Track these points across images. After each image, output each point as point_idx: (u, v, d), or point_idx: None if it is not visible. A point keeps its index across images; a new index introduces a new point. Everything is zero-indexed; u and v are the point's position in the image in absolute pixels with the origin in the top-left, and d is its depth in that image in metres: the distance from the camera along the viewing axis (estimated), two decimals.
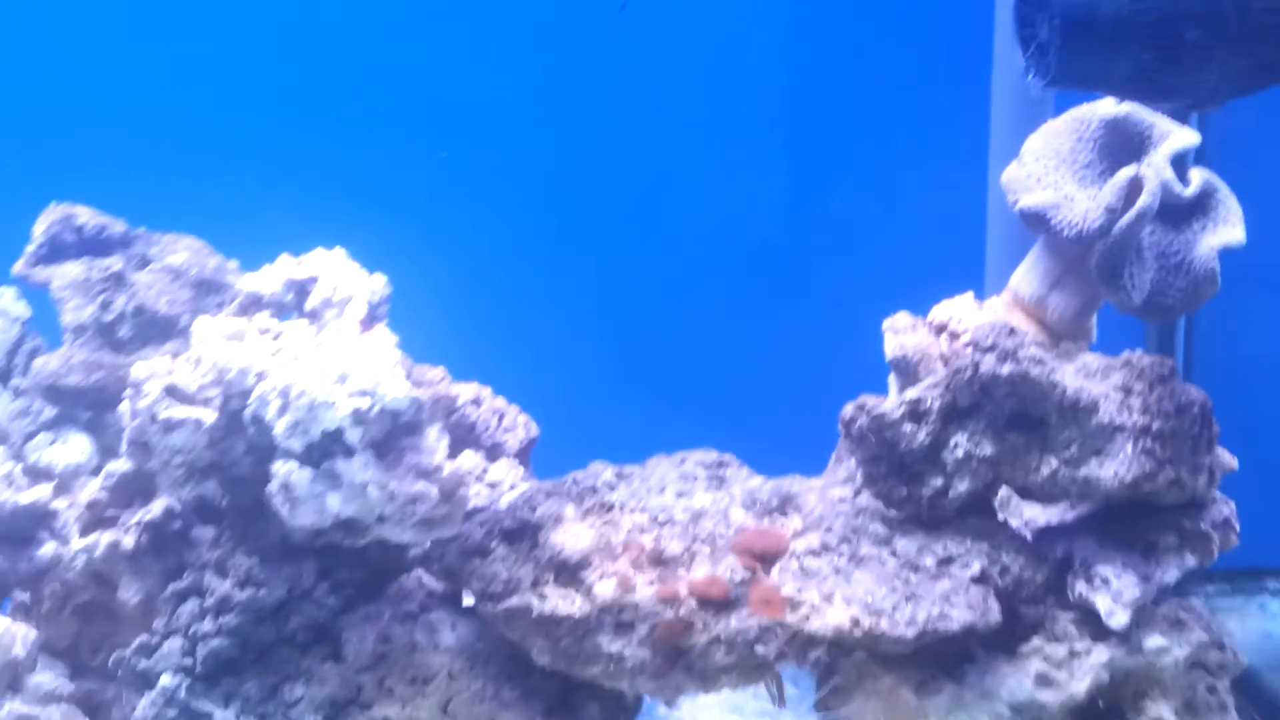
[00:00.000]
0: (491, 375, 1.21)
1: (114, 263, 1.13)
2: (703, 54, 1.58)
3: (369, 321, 1.07)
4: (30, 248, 1.15)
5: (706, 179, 1.56)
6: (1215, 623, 1.20)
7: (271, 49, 1.58)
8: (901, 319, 1.24)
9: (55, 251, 1.14)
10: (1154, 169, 1.12)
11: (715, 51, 1.58)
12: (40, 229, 1.13)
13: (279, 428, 1.00)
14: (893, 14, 1.56)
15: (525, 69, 1.61)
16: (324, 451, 1.01)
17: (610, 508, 1.13)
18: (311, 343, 1.05)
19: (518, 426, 1.19)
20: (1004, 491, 1.23)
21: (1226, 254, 1.15)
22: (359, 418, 0.99)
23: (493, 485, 1.15)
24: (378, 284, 1.07)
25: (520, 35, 1.63)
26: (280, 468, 1.00)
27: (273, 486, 1.01)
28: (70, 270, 1.12)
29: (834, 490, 1.18)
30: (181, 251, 1.15)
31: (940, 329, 1.23)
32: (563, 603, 1.08)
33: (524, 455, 1.19)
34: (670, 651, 1.07)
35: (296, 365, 1.02)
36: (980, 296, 1.23)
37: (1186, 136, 1.14)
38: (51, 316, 1.21)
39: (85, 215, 1.14)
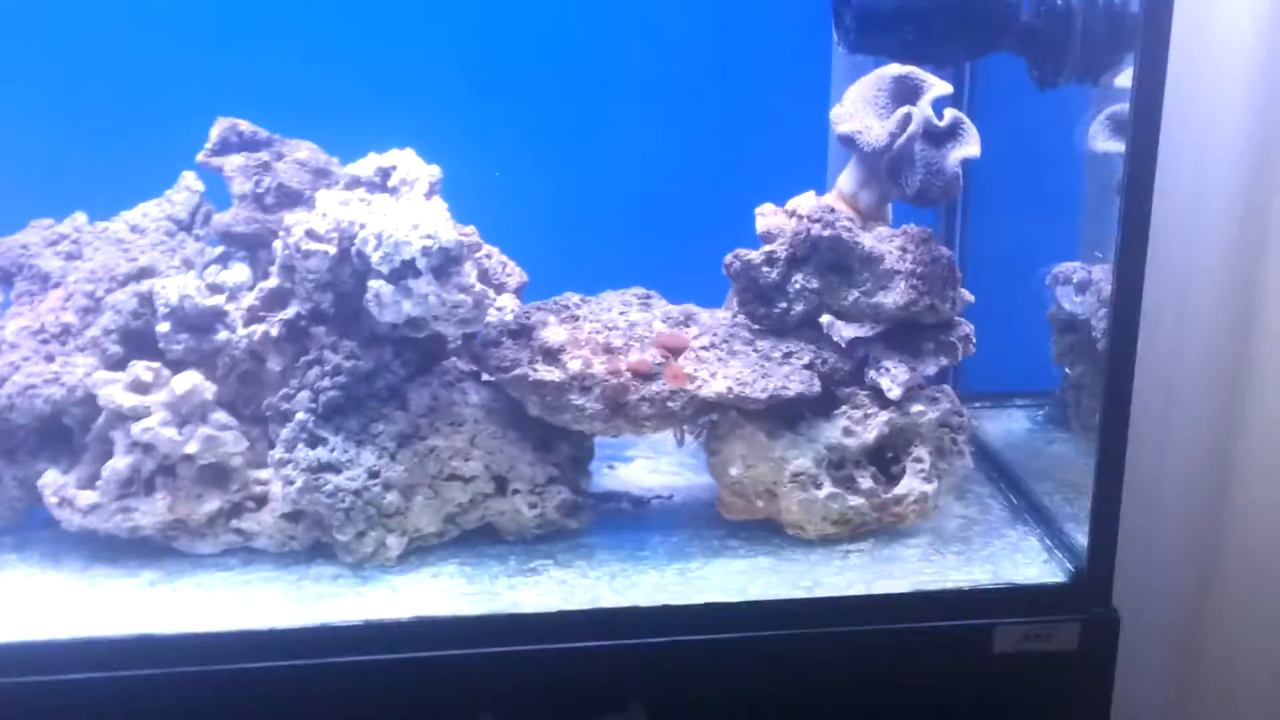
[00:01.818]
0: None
1: (262, 155, 1.55)
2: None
3: (429, 194, 1.55)
4: (208, 145, 1.57)
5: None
6: (956, 399, 1.71)
7: None
8: (767, 207, 1.70)
9: (225, 147, 1.56)
10: (919, 109, 1.57)
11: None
12: (215, 132, 1.55)
13: (374, 258, 1.46)
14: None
15: None
16: (401, 274, 1.45)
17: (578, 319, 1.57)
18: (393, 206, 1.53)
19: (515, 273, 1.66)
20: (826, 317, 1.76)
21: (970, 163, 1.69)
22: (425, 252, 1.44)
23: (499, 308, 1.65)
24: (435, 171, 1.52)
25: None
26: (374, 284, 1.46)
27: (368, 296, 1.47)
28: (235, 160, 1.55)
29: (720, 313, 1.65)
30: (303, 150, 1.58)
31: (791, 213, 1.71)
32: (547, 373, 1.52)
33: (518, 292, 1.68)
34: (614, 405, 1.51)
35: (385, 218, 1.47)
36: (820, 193, 1.75)
37: (943, 88, 1.58)
38: (217, 194, 1.72)
39: (243, 125, 1.56)
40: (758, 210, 1.61)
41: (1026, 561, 1.55)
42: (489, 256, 1.60)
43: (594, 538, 1.58)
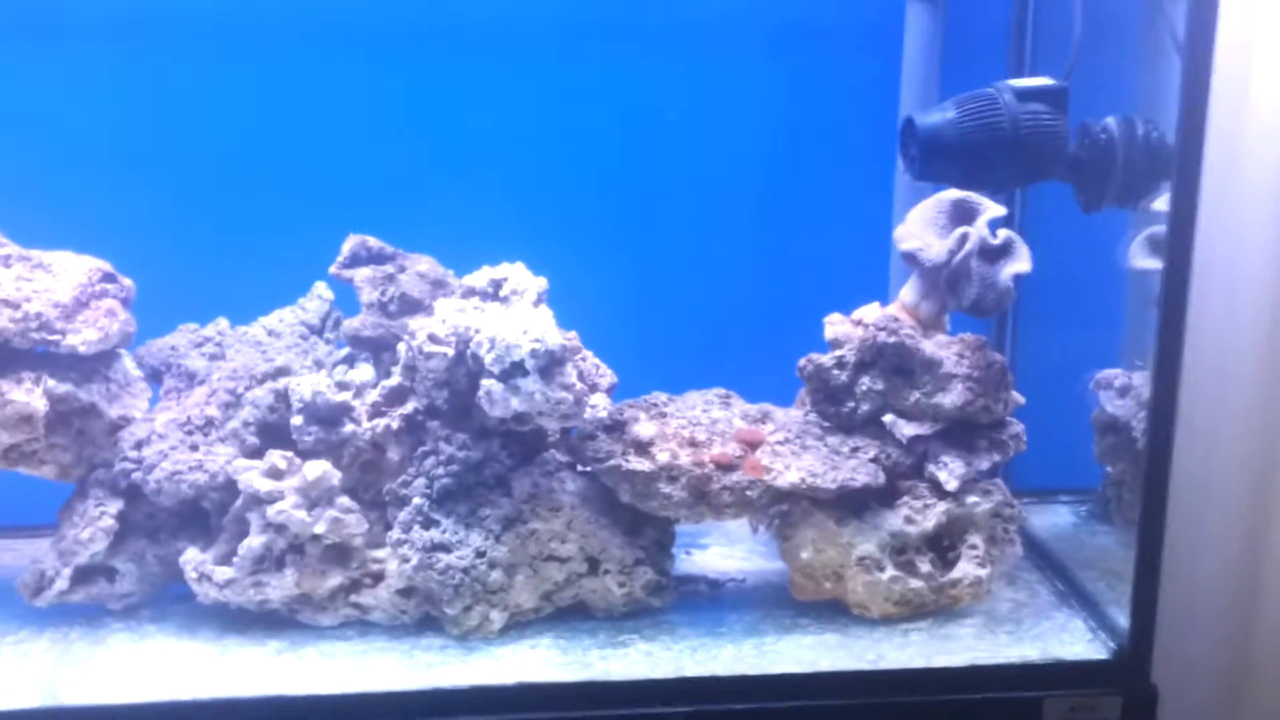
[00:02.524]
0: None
1: (387, 268, 1.73)
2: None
3: (537, 302, 1.71)
4: (339, 258, 1.74)
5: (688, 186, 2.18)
6: (1008, 491, 1.85)
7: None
8: (835, 316, 1.86)
9: (354, 260, 1.73)
10: (976, 229, 1.75)
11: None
12: (346, 247, 1.73)
13: (487, 360, 1.61)
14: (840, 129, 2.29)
15: None
16: (511, 374, 1.61)
17: (665, 415, 1.74)
18: (505, 313, 1.70)
19: (607, 374, 1.80)
20: (889, 416, 1.91)
21: (1021, 278, 1.84)
22: (533, 354, 1.60)
23: (593, 406, 1.80)
24: (542, 282, 1.68)
25: None
26: (486, 382, 1.62)
27: (480, 393, 1.62)
28: (364, 272, 1.72)
29: (793, 411, 1.80)
30: (423, 263, 1.75)
31: (857, 322, 1.87)
32: (638, 464, 1.67)
33: (609, 391, 1.83)
34: (698, 493, 1.67)
35: (497, 324, 1.63)
36: (883, 305, 1.91)
37: (996, 210, 1.74)
38: (341, 302, 1.89)
39: (371, 241, 1.74)
40: (827, 319, 1.76)
41: (1072, 640, 1.68)
42: (584, 359, 1.75)
43: (675, 615, 1.72)
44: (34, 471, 1.63)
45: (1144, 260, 1.82)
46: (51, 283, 1.63)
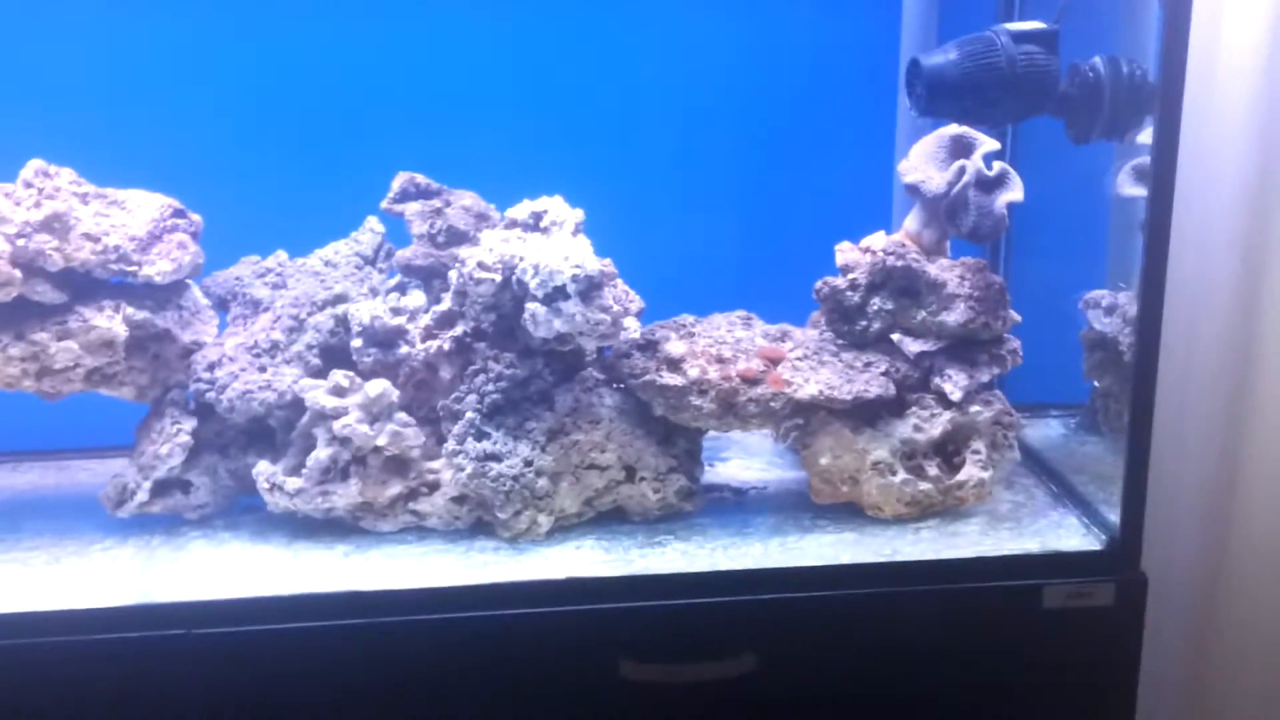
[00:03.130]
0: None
1: (435, 203, 1.85)
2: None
3: (575, 232, 1.85)
4: (390, 194, 1.86)
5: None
6: (1006, 401, 1.97)
7: None
8: (845, 244, 1.99)
9: (404, 196, 1.85)
10: (973, 162, 1.87)
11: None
12: (396, 184, 1.84)
13: (531, 284, 1.74)
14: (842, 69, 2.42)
15: None
16: (554, 297, 1.75)
17: (693, 335, 1.87)
18: (546, 242, 1.83)
19: (635, 300, 1.92)
20: (897, 334, 2.05)
21: (1015, 207, 1.99)
22: (574, 279, 1.72)
23: (625, 328, 1.93)
24: (579, 213, 1.81)
25: None
26: (530, 305, 1.74)
27: (525, 316, 1.75)
28: (413, 206, 1.84)
29: (810, 331, 1.94)
30: (467, 198, 1.87)
31: (865, 249, 2.01)
32: (671, 379, 1.81)
33: (638, 315, 1.96)
34: (726, 405, 1.81)
35: (540, 252, 1.77)
36: (888, 232, 2.05)
37: (992, 144, 1.86)
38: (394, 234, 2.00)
39: (419, 178, 1.86)
40: (838, 247, 1.90)
41: (1068, 535, 1.82)
42: (615, 285, 1.89)
43: (705, 519, 1.86)
44: (114, 393, 1.76)
45: (1130, 188, 1.96)
46: (127, 218, 1.76)
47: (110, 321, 1.71)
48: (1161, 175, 1.66)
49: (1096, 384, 2.16)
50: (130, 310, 1.73)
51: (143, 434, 1.80)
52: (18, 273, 1.65)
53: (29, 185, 1.72)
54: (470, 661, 1.65)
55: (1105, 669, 1.77)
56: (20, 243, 1.65)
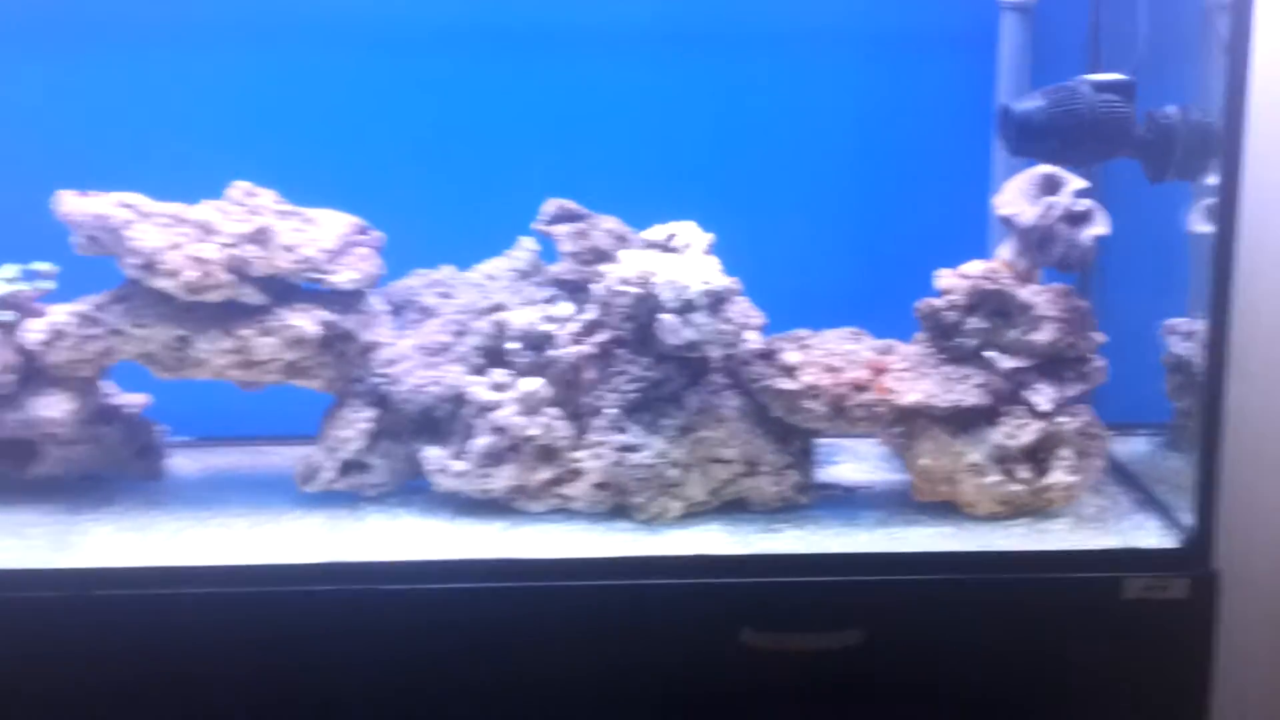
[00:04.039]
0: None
1: (581, 225, 2.11)
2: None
3: (706, 252, 2.09)
4: (542, 217, 2.12)
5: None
6: (1093, 414, 2.16)
7: None
8: (944, 270, 2.23)
9: (555, 219, 2.12)
10: (1061, 198, 2.09)
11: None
12: (548, 209, 2.11)
13: (666, 297, 1.98)
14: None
15: None
16: (685, 309, 1.99)
17: (808, 346, 2.09)
18: (680, 261, 2.07)
19: (757, 315, 2.15)
20: (991, 351, 2.23)
21: (1101, 239, 2.19)
22: (704, 294, 1.96)
23: (746, 339, 2.16)
24: (710, 236, 2.05)
25: None
26: (665, 316, 1.99)
27: (659, 326, 2.02)
28: (563, 228, 2.09)
29: (912, 346, 2.15)
30: (609, 221, 2.12)
31: (963, 275, 2.23)
32: (787, 384, 2.04)
33: (759, 329, 2.18)
34: (836, 409, 2.03)
35: (675, 269, 2.01)
36: (984, 260, 2.25)
37: (1079, 182, 2.07)
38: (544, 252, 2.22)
39: (568, 203, 2.11)
40: (937, 273, 2.11)
41: (1147, 534, 2.00)
42: (739, 301, 2.11)
43: (817, 511, 2.07)
44: (305, 384, 2.03)
45: (1202, 225, 2.17)
46: (319, 233, 2.03)
47: (305, 321, 1.98)
48: (1224, 213, 1.87)
49: (1178, 405, 2.35)
50: (321, 313, 2.00)
51: (328, 421, 2.07)
52: (229, 277, 1.94)
53: (237, 203, 2.01)
54: (608, 625, 1.88)
55: (1180, 659, 1.94)
56: (232, 251, 1.94)
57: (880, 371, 2.06)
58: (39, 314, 2.01)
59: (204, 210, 1.96)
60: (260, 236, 1.96)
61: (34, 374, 2.03)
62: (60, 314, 1.97)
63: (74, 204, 1.90)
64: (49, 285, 2.04)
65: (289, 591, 1.84)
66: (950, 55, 2.47)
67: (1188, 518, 1.98)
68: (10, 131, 2.29)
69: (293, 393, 2.08)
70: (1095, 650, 1.93)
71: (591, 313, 2.05)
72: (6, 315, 1.99)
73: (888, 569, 1.92)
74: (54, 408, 1.99)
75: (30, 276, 2.04)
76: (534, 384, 2.00)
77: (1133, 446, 2.42)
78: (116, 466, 2.11)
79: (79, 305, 1.97)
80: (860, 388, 2.03)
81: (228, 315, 1.98)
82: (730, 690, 1.90)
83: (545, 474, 2.01)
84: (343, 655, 1.84)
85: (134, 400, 2.13)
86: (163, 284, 1.90)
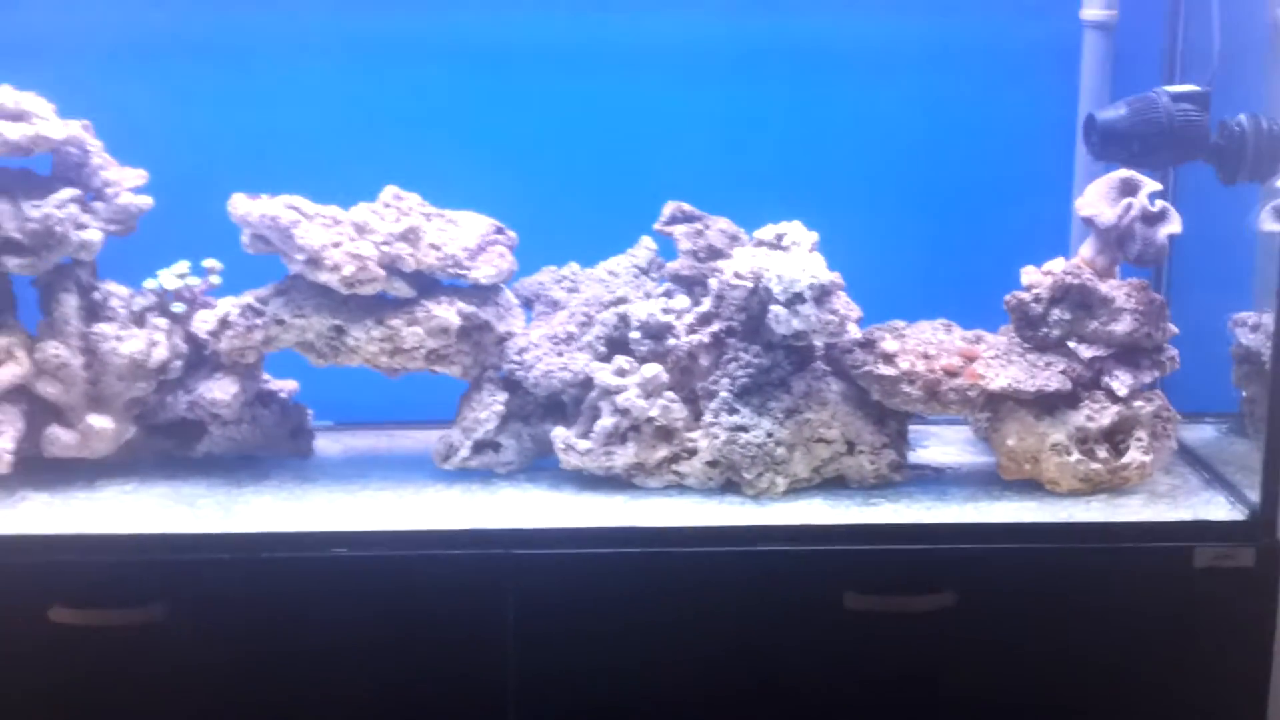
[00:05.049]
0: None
1: (697, 225, 2.29)
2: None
3: (811, 250, 2.28)
4: (661, 218, 2.32)
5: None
6: (1166, 400, 2.33)
7: None
8: (1030, 267, 2.36)
9: (673, 220, 2.30)
10: (1138, 199, 2.25)
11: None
12: (667, 211, 2.29)
13: (775, 291, 2.16)
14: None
15: None
16: (793, 301, 2.16)
17: (904, 336, 2.25)
18: (788, 258, 2.26)
19: (855, 309, 2.30)
20: (1073, 341, 2.41)
21: (1174, 238, 2.36)
22: (811, 287, 2.12)
23: (848, 330, 2.35)
24: (815, 235, 2.22)
25: None
26: (774, 308, 2.16)
27: (769, 316, 2.18)
28: (680, 228, 2.28)
29: (1000, 336, 2.32)
30: (722, 222, 2.30)
31: (1046, 272, 2.40)
32: (886, 370, 2.21)
33: (858, 322, 2.34)
34: (930, 392, 2.19)
35: (783, 264, 2.18)
36: (1066, 258, 2.43)
37: (1154, 185, 2.22)
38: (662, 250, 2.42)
39: (685, 206, 2.30)
40: (1023, 269, 2.28)
41: (1216, 510, 2.17)
42: (840, 295, 2.30)
43: (910, 488, 2.26)
44: (445, 370, 2.23)
45: (1271, 224, 2.33)
46: (460, 233, 2.24)
47: (448, 313, 2.19)
48: None
49: (1244, 393, 2.51)
50: (461, 304, 2.21)
51: (465, 404, 2.28)
52: (382, 272, 2.15)
53: (388, 205, 2.22)
54: (722, 588, 2.07)
55: (1246, 623, 2.11)
56: (385, 248, 2.16)
57: (971, 359, 2.24)
58: (207, 306, 2.25)
59: (360, 211, 2.18)
60: (410, 235, 2.17)
61: (201, 361, 2.26)
62: (227, 305, 2.20)
63: (247, 206, 2.13)
64: (216, 280, 2.27)
65: (434, 555, 2.06)
66: (1038, 69, 2.66)
67: (1253, 495, 2.15)
68: (178, 140, 2.52)
69: (411, 382, 2.30)
70: (1168, 615, 2.11)
71: (706, 305, 2.24)
72: (178, 307, 2.23)
73: (978, 538, 2.11)
74: (221, 390, 2.21)
75: (199, 272, 2.27)
76: (654, 369, 2.19)
77: (1200, 433, 2.58)
78: (271, 446, 2.33)
79: (244, 298, 2.20)
80: (952, 373, 2.22)
81: (378, 307, 2.20)
82: (835, 648, 2.11)
83: (663, 452, 2.21)
84: (482, 612, 2.07)
85: (285, 385, 2.36)
86: (325, 277, 2.12)
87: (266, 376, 2.33)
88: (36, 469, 2.21)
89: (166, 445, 2.30)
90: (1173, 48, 2.58)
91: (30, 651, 2.01)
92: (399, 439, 2.52)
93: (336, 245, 2.13)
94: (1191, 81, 2.30)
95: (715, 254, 2.31)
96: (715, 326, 2.23)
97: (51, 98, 2.17)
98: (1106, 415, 2.22)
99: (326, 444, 2.45)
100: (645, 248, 2.41)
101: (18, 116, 2.10)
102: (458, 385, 2.31)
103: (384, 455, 2.43)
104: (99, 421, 2.18)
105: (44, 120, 2.12)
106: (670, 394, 2.22)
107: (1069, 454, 2.20)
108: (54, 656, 2.01)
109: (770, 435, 2.19)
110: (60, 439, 2.17)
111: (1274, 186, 2.26)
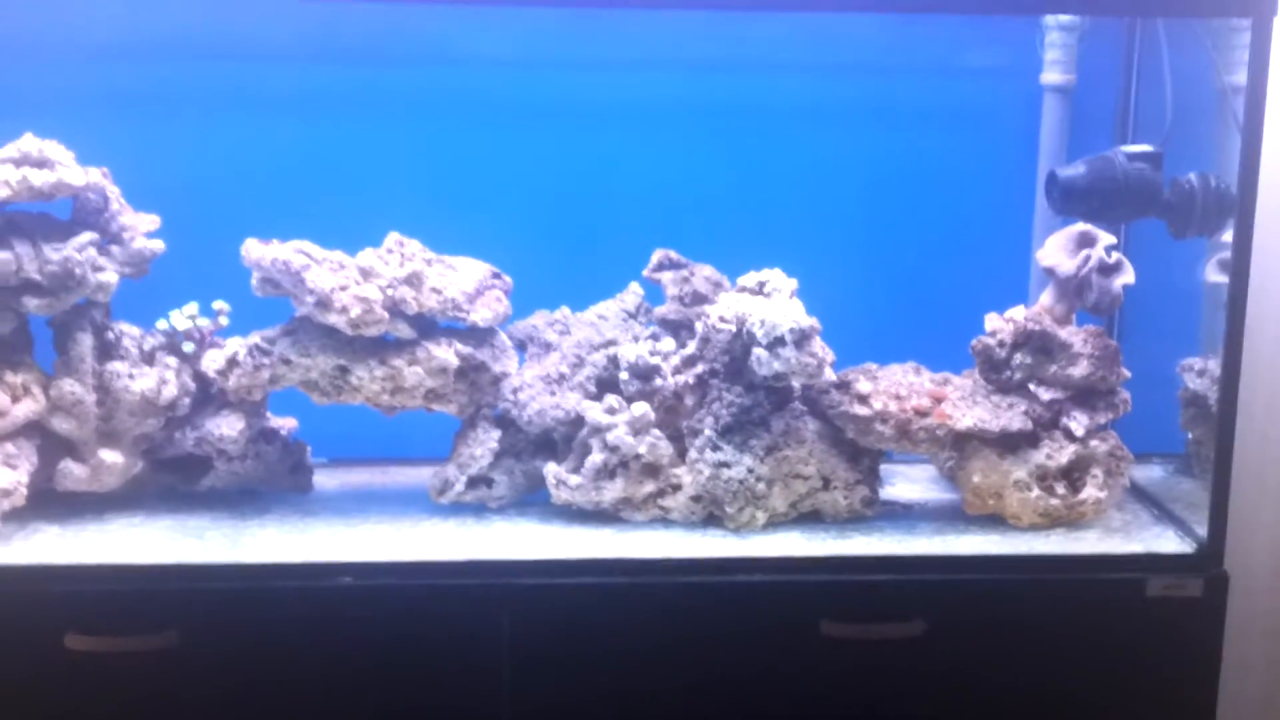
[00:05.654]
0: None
1: (683, 272, 2.41)
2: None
3: (791, 296, 2.41)
4: (650, 264, 2.44)
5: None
6: (1119, 440, 2.45)
7: None
8: (993, 314, 2.50)
9: (660, 267, 2.43)
10: (1095, 251, 2.39)
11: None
12: (655, 258, 2.41)
13: (758, 334, 2.29)
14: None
15: None
16: (775, 345, 2.29)
17: (876, 378, 2.39)
18: (769, 303, 2.38)
19: (830, 354, 2.45)
20: (1033, 384, 2.55)
21: (1128, 287, 2.51)
22: (791, 331, 2.25)
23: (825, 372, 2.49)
24: (794, 282, 2.34)
25: None
26: (757, 350, 2.28)
27: (752, 359, 2.28)
28: (667, 275, 2.40)
29: (965, 378, 2.44)
30: (707, 269, 2.41)
31: (1008, 319, 2.53)
32: (860, 410, 2.35)
33: (832, 365, 2.49)
34: (902, 431, 2.34)
35: (765, 310, 2.30)
36: (1026, 306, 2.57)
37: (1109, 238, 2.37)
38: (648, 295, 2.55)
39: (672, 254, 2.41)
40: (987, 316, 2.42)
41: (1166, 543, 2.32)
42: (816, 340, 2.44)
43: (881, 522, 2.39)
44: (442, 408, 2.34)
45: (1216, 275, 2.49)
46: (459, 278, 2.36)
47: (447, 354, 2.31)
48: (1238, 266, 2.20)
49: (1191, 435, 2.66)
50: (459, 346, 2.33)
51: (460, 441, 2.39)
52: (386, 314, 2.27)
53: (391, 251, 2.34)
54: (703, 615, 2.19)
55: (1195, 649, 2.26)
56: (389, 292, 2.27)
57: (939, 400, 2.38)
58: (216, 346, 2.35)
59: (365, 256, 2.29)
60: (414, 279, 2.29)
61: (207, 398, 2.37)
62: (235, 345, 2.31)
63: (259, 250, 2.24)
64: (224, 321, 2.38)
65: (433, 585, 2.17)
66: (1000, 129, 2.82)
67: (1200, 530, 2.30)
68: (191, 188, 2.62)
69: (411, 420, 2.42)
70: (1121, 642, 2.25)
71: (691, 347, 2.37)
72: (188, 346, 2.34)
73: (947, 568, 2.25)
74: (228, 427, 2.32)
75: (208, 313, 2.38)
76: (642, 408, 2.32)
77: (1149, 472, 2.73)
78: (272, 481, 2.44)
79: (251, 338, 2.31)
80: (922, 413, 2.35)
81: (379, 347, 2.31)
82: (811, 674, 2.23)
83: (649, 487, 2.34)
84: (474, 639, 2.17)
85: (286, 423, 2.47)
86: (333, 319, 2.24)
87: (268, 414, 2.44)
88: (46, 502, 2.31)
89: (171, 479, 2.40)
90: (1126, 110, 2.75)
91: (47, 677, 2.11)
92: (393, 475, 2.64)
93: (344, 288, 2.25)
94: (1145, 141, 2.47)
95: (700, 299, 2.45)
96: (700, 368, 2.36)
97: (70, 145, 2.28)
98: (1065, 454, 2.37)
99: (324, 479, 2.56)
100: (633, 293, 2.53)
101: (41, 163, 2.21)
102: (437, 421, 2.42)
103: (379, 490, 2.54)
104: (110, 456, 2.28)
105: (65, 167, 2.23)
106: (657, 432, 2.34)
107: (1030, 490, 2.34)
108: (70, 682, 2.11)
109: (751, 471, 2.32)
110: (73, 473, 2.27)
111: (1220, 241, 2.42)
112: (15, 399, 2.23)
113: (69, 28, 2.61)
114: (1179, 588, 2.24)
